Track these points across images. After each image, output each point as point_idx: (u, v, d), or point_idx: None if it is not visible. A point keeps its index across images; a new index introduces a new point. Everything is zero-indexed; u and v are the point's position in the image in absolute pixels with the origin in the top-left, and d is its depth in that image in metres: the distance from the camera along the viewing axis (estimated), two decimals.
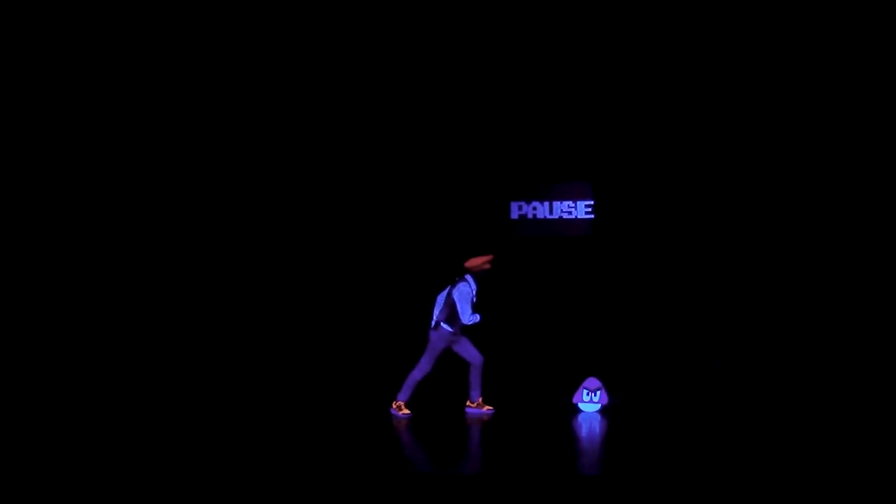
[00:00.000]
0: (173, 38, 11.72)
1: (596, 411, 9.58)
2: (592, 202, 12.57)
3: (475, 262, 9.34)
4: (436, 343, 9.26)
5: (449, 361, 9.65)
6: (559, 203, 12.68)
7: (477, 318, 9.18)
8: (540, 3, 11.59)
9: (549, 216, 12.68)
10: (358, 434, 8.20)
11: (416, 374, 9.30)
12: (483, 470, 7.01)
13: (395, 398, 9.32)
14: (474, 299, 9.28)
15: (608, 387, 9.76)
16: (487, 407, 9.49)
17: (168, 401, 9.98)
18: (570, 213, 12.66)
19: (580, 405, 9.68)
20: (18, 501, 5.82)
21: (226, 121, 12.36)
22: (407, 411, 9.26)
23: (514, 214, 12.73)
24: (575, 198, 12.67)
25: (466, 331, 9.36)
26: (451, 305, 9.23)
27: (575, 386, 9.84)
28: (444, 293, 9.38)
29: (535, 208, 12.71)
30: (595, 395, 9.65)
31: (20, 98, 11.65)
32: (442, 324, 9.22)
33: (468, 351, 9.35)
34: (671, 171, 12.39)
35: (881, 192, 11.65)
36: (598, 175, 12.58)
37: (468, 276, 9.34)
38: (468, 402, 9.49)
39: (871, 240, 11.67)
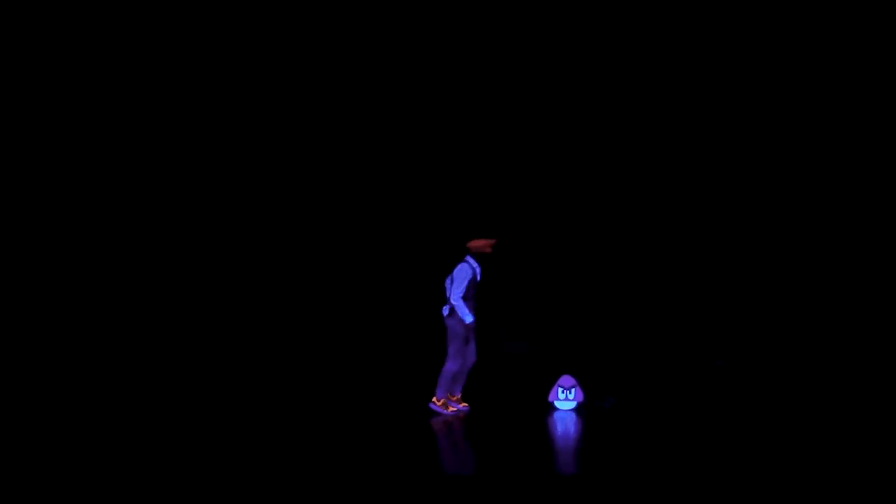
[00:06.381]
0: (173, 38, 11.68)
1: (571, 409, 9.65)
2: None
3: (477, 242, 9.22)
4: (455, 329, 9.15)
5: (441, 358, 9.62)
6: None
7: (466, 315, 9.04)
8: (540, 5, 11.66)
9: None
10: (335, 437, 8.20)
11: (451, 366, 9.15)
12: (463, 470, 7.04)
13: (434, 396, 9.23)
14: (478, 279, 9.19)
15: (610, 388, 9.77)
16: (463, 404, 9.50)
17: (171, 402, 9.92)
18: None
19: (556, 403, 9.75)
20: (18, 501, 5.79)
21: (228, 123, 12.28)
22: (454, 408, 9.20)
23: None
24: None
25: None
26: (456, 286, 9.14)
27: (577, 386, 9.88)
28: (451, 276, 9.28)
29: None
30: (570, 393, 9.71)
31: (20, 98, 11.59)
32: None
33: (468, 346, 9.35)
34: (671, 171, 12.33)
35: (881, 191, 11.70)
36: (597, 175, 12.48)
37: (468, 257, 9.27)
38: (449, 396, 9.45)
39: (870, 240, 11.70)
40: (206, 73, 11.99)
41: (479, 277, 9.21)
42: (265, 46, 11.87)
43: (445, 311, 9.20)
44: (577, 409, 9.62)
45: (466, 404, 9.52)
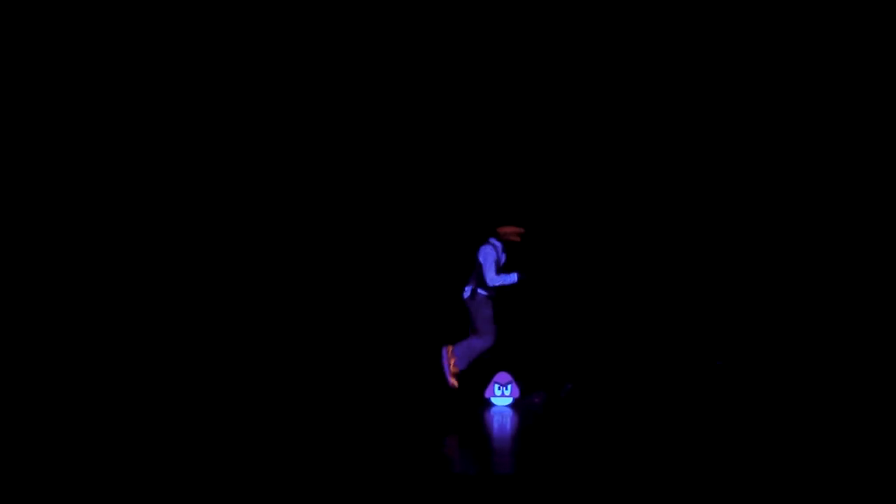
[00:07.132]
0: (173, 38, 11.54)
1: (508, 405, 9.58)
2: None
3: (505, 229, 9.10)
4: (481, 310, 8.96)
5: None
6: None
7: (510, 278, 8.89)
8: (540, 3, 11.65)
9: None
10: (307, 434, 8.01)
11: (484, 342, 8.98)
12: (402, 467, 6.88)
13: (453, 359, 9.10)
14: (502, 261, 9.04)
15: (608, 389, 9.73)
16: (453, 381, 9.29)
17: (171, 402, 9.74)
18: None
19: (492, 399, 9.66)
20: (18, 501, 5.56)
21: (234, 122, 12.06)
22: (454, 381, 9.02)
23: None
24: None
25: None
26: (478, 268, 9.02)
27: (577, 386, 9.82)
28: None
29: None
30: (507, 389, 9.64)
31: (20, 98, 11.44)
32: (478, 290, 8.98)
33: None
34: (670, 169, 12.23)
35: (881, 192, 11.77)
36: (594, 173, 12.32)
37: (493, 240, 9.10)
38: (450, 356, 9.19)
39: (870, 239, 11.75)
40: (205, 73, 11.94)
41: (503, 260, 9.08)
42: (273, 46, 11.77)
43: (467, 292, 9.06)
44: (514, 406, 9.55)
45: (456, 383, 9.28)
